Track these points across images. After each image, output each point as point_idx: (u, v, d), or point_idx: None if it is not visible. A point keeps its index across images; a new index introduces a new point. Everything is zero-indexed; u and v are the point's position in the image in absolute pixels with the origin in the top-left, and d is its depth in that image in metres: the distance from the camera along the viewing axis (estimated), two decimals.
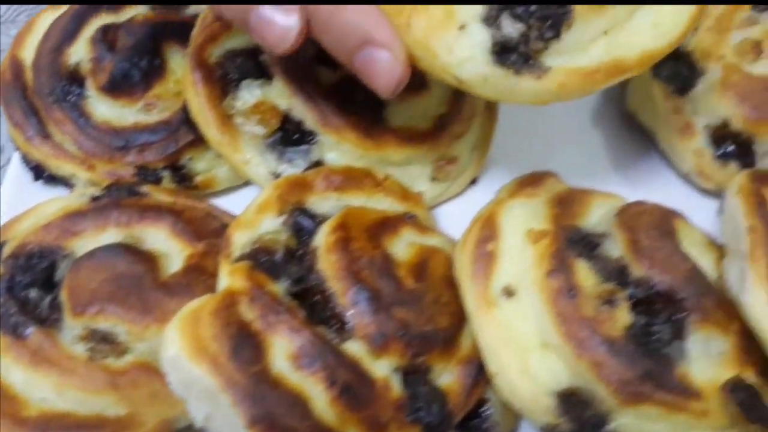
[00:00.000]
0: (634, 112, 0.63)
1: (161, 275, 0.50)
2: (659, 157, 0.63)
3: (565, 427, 0.44)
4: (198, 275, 0.51)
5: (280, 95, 0.58)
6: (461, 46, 0.46)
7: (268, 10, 0.46)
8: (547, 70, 0.46)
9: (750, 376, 0.44)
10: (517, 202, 0.51)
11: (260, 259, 0.48)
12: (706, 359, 0.44)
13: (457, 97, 0.59)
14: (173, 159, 0.60)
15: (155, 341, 0.47)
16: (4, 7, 0.84)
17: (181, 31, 0.62)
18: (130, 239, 0.53)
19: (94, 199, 0.56)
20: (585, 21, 0.46)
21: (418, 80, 0.57)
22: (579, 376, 0.43)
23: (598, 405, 0.43)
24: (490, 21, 0.46)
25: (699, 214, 0.52)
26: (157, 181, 0.60)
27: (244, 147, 0.58)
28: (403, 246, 0.51)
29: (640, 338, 0.43)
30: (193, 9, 0.66)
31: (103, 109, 0.60)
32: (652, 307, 0.44)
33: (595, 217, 0.50)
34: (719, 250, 0.49)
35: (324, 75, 0.58)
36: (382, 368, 0.45)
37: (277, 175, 0.58)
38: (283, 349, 0.43)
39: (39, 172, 0.62)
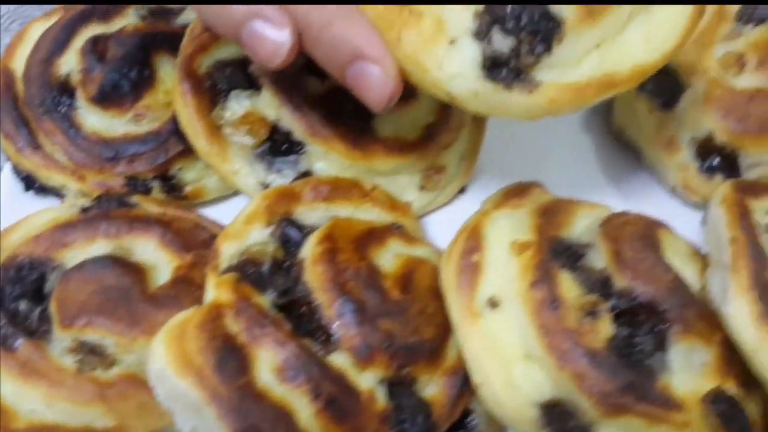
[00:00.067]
0: (620, 129, 0.64)
1: (149, 287, 0.51)
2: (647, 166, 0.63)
3: None
4: (186, 287, 0.51)
5: (269, 106, 0.58)
6: (451, 61, 0.46)
7: (260, 25, 0.47)
8: (538, 85, 0.46)
9: (731, 388, 0.44)
10: (503, 213, 0.51)
11: (247, 271, 0.48)
12: (688, 370, 0.44)
13: (446, 106, 0.60)
14: (163, 169, 0.60)
15: (143, 353, 0.47)
16: None
17: (171, 41, 0.62)
18: (120, 250, 0.53)
19: (84, 210, 0.56)
20: (576, 35, 0.45)
21: (406, 90, 0.56)
22: (562, 388, 0.43)
23: (581, 416, 0.43)
24: (481, 36, 0.46)
25: (687, 224, 0.53)
26: (146, 191, 0.60)
27: (232, 157, 0.59)
28: (389, 257, 0.51)
29: (623, 350, 0.44)
30: (183, 19, 0.66)
31: (93, 119, 0.61)
32: (634, 319, 0.45)
33: (579, 227, 0.50)
34: (704, 260, 0.49)
35: (312, 85, 0.58)
36: (367, 380, 0.45)
37: (265, 186, 0.58)
38: (268, 362, 0.44)
39: (30, 183, 0.62)
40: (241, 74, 0.59)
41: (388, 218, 0.56)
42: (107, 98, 0.60)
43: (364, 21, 0.47)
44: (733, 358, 0.44)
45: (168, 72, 0.62)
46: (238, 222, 0.52)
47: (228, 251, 0.50)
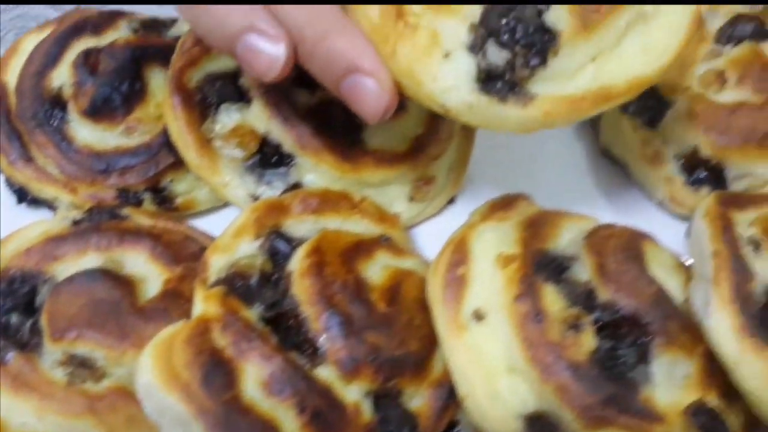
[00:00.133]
0: (606, 147, 0.64)
1: (139, 300, 0.51)
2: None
3: None
4: (175, 300, 0.51)
5: (259, 118, 0.59)
6: (446, 74, 0.47)
7: (255, 39, 0.47)
8: (533, 98, 0.46)
9: (712, 400, 0.44)
10: (489, 225, 0.52)
11: (236, 284, 0.49)
12: (671, 383, 0.44)
13: (435, 118, 0.60)
14: (154, 181, 0.60)
15: (133, 366, 0.47)
16: None
17: (162, 54, 0.63)
18: (110, 263, 0.53)
19: (76, 222, 0.57)
20: (572, 47, 0.46)
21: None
22: (545, 400, 0.44)
23: (564, 429, 0.44)
24: (476, 49, 0.46)
25: (676, 236, 0.53)
26: (138, 203, 0.61)
27: (223, 170, 0.59)
28: (377, 269, 0.52)
29: (605, 362, 0.44)
30: (174, 32, 0.66)
31: (85, 133, 0.61)
32: (617, 331, 0.45)
33: (564, 239, 0.50)
34: (688, 272, 0.49)
35: (302, 97, 0.59)
36: (353, 393, 0.46)
37: (255, 198, 0.59)
38: (255, 376, 0.44)
39: (22, 195, 0.63)
40: (231, 87, 0.59)
41: (377, 230, 0.56)
42: (99, 111, 0.61)
43: (359, 34, 0.47)
44: (715, 370, 0.44)
45: (159, 85, 0.63)
46: (227, 235, 0.53)
47: (217, 264, 0.51)
